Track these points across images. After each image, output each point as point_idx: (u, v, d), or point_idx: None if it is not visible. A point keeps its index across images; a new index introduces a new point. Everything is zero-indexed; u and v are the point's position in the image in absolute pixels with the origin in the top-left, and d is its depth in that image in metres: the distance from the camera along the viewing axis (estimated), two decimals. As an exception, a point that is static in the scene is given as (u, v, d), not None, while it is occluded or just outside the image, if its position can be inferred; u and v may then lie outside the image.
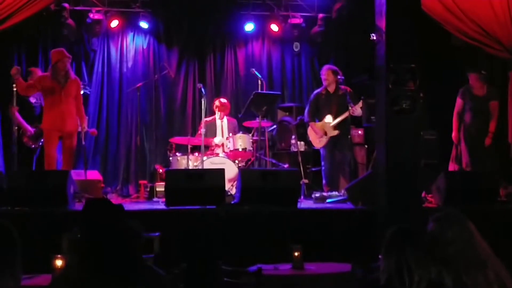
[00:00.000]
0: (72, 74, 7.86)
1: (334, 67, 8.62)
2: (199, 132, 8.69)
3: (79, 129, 7.82)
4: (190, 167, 8.14)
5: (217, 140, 8.80)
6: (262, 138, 8.85)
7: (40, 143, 8.19)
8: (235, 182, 7.53)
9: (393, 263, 3.07)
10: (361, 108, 8.23)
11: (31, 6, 7.67)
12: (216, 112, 9.05)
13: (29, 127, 8.27)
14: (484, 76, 8.15)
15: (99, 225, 2.37)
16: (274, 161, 9.01)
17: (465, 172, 7.95)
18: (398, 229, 3.19)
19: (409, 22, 6.02)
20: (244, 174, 6.78)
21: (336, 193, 7.76)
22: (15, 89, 7.69)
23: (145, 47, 10.13)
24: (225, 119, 9.04)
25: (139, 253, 2.46)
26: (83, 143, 8.15)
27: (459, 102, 8.25)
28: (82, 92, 8.30)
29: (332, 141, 8.38)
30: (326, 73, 8.45)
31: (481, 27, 7.86)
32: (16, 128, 8.09)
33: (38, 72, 8.43)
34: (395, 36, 5.96)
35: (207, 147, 8.70)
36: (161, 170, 8.66)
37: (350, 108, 8.16)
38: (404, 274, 3.01)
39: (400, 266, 3.04)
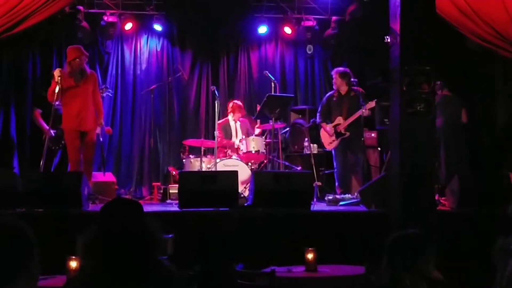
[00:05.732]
0: (88, 69, 7.59)
1: (343, 70, 8.56)
2: (218, 135, 8.54)
3: (98, 127, 7.66)
4: (203, 169, 8.15)
5: (238, 141, 8.81)
6: (275, 140, 8.85)
7: (61, 145, 8.18)
8: (248, 184, 7.53)
9: (393, 265, 3.05)
10: (370, 109, 8.19)
11: (46, 9, 7.71)
12: (230, 114, 9.06)
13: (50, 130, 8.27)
14: None
15: (117, 226, 2.37)
16: (287, 163, 9.00)
17: (480, 174, 7.88)
18: (404, 234, 3.15)
19: (423, 25, 5.98)
20: (257, 177, 6.77)
21: (349, 195, 7.73)
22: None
23: (158, 49, 10.18)
24: (238, 121, 9.05)
25: (156, 254, 2.46)
26: (101, 139, 8.10)
27: None
28: (104, 94, 8.28)
29: (345, 143, 8.36)
30: (334, 77, 8.46)
31: (495, 30, 7.82)
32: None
33: None
34: (409, 38, 5.92)
35: (224, 148, 8.69)
36: (174, 172, 8.68)
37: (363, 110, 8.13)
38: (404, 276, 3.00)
39: (400, 268, 3.02)
